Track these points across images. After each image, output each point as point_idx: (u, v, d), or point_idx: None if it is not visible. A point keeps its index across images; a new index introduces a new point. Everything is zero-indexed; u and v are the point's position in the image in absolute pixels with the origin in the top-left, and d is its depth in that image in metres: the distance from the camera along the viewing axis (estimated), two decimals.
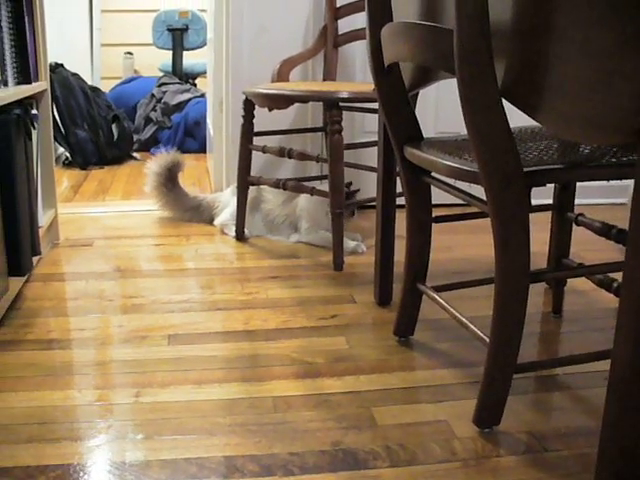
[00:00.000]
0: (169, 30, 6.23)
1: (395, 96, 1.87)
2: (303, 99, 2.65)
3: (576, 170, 1.52)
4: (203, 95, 5.31)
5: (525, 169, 1.45)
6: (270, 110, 2.81)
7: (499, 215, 1.45)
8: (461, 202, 1.78)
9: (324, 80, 3.28)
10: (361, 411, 1.70)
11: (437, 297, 1.87)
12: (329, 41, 3.24)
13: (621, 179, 1.48)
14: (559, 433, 1.65)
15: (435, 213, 1.95)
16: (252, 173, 2.94)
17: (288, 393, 1.78)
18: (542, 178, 1.48)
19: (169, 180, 3.25)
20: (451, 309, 1.80)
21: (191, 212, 3.27)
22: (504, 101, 1.41)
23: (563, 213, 2.12)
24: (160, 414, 1.67)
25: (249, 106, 2.83)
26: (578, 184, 2.05)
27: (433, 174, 1.84)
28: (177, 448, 1.54)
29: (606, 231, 1.79)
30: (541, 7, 1.30)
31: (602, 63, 1.15)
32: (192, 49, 6.27)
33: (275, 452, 1.54)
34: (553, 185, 2.12)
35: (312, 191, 2.69)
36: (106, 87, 5.66)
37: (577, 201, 2.13)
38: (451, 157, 1.65)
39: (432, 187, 1.88)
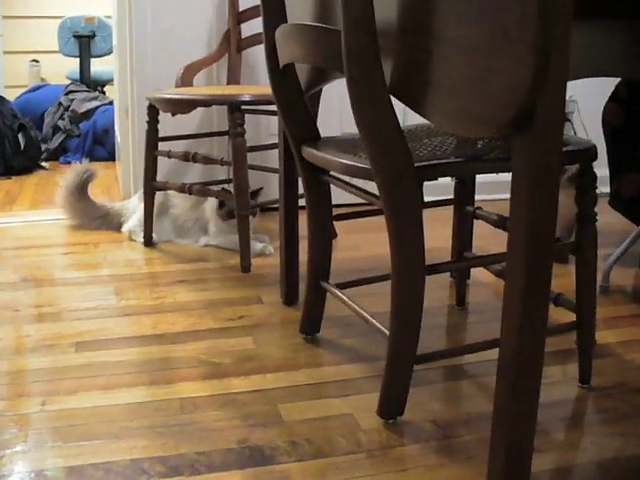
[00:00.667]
0: (75, 37, 6.15)
1: (291, 97, 1.90)
2: (205, 103, 2.66)
3: (466, 164, 1.57)
4: (111, 102, 5.26)
5: (416, 164, 1.49)
6: (173, 115, 2.82)
7: (392, 210, 1.49)
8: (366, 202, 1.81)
9: (228, 84, 3.29)
10: (267, 408, 1.72)
11: (340, 294, 1.90)
12: (232, 45, 3.26)
13: (509, 172, 1.53)
14: (461, 420, 1.70)
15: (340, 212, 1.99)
16: (160, 178, 2.94)
17: (195, 394, 1.79)
18: (433, 172, 1.53)
19: (79, 190, 3.22)
20: (354, 305, 1.84)
21: (99, 220, 3.24)
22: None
23: (462, 207, 2.17)
24: (66, 421, 1.67)
25: (153, 111, 2.82)
26: (483, 180, 2.11)
27: (332, 173, 1.87)
28: (83, 454, 1.54)
29: (502, 223, 1.84)
30: (423, 7, 1.35)
31: (477, 60, 1.20)
32: (100, 56, 6.20)
33: (182, 452, 1.55)
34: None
35: (217, 194, 2.70)
36: (11, 96, 5.56)
37: (485, 197, 2.20)
38: (346, 155, 1.68)
39: (335, 187, 1.91)
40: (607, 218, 3.05)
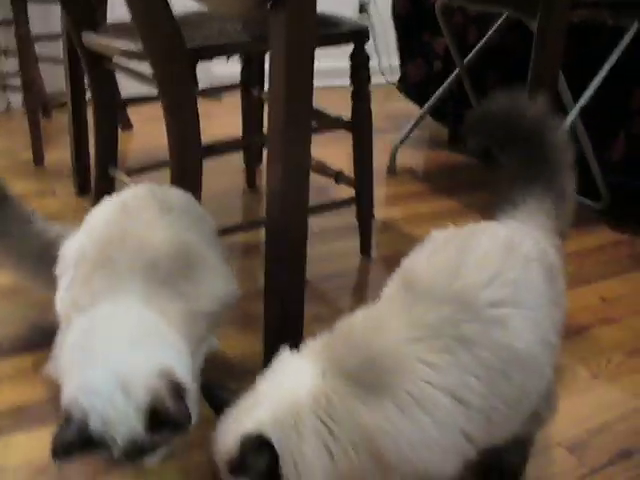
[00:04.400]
0: None
1: None
2: None
3: (235, 44, 1.62)
4: None
5: (189, 45, 1.52)
6: None
7: (166, 90, 1.52)
8: None
9: None
10: None
11: (127, 180, 1.92)
12: None
13: None
14: (245, 294, 1.75)
15: None
16: None
17: None
18: (206, 53, 1.57)
19: None
20: None
21: None
22: None
23: (248, 91, 2.22)
24: None
25: None
26: None
27: (115, 59, 1.86)
28: None
29: None
30: None
31: None
32: None
33: None
34: None
35: (4, 87, 2.62)
36: None
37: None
38: (124, 39, 1.69)
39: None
40: (397, 105, 3.20)
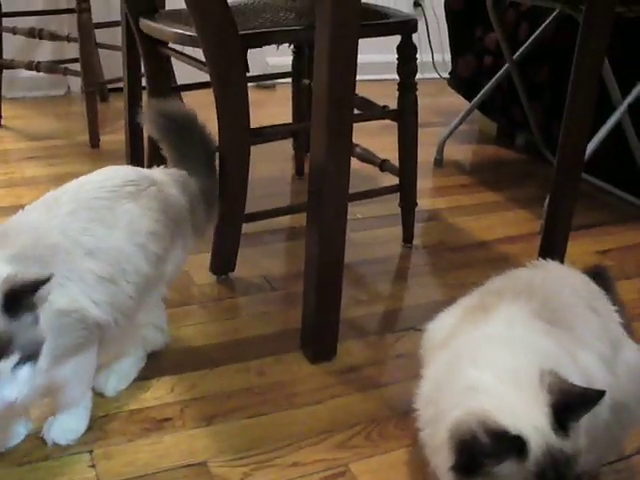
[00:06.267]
0: None
1: None
2: None
3: (286, 32, 1.67)
4: None
5: (241, 32, 1.57)
6: None
7: (217, 75, 1.58)
8: None
9: None
10: None
11: None
12: None
13: None
14: (290, 275, 1.84)
15: None
16: (8, 56, 2.90)
17: None
18: (256, 40, 1.62)
19: None
20: None
21: None
22: None
23: (299, 80, 2.27)
24: None
25: None
26: None
27: (171, 45, 1.92)
28: None
29: None
30: None
31: None
32: None
33: None
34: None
35: (64, 71, 2.71)
36: None
37: None
38: (179, 25, 1.75)
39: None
40: (449, 100, 3.22)
